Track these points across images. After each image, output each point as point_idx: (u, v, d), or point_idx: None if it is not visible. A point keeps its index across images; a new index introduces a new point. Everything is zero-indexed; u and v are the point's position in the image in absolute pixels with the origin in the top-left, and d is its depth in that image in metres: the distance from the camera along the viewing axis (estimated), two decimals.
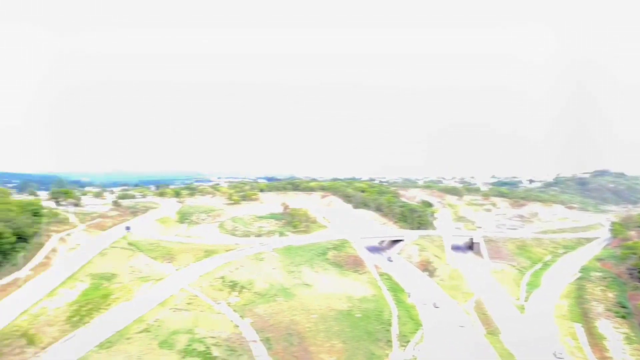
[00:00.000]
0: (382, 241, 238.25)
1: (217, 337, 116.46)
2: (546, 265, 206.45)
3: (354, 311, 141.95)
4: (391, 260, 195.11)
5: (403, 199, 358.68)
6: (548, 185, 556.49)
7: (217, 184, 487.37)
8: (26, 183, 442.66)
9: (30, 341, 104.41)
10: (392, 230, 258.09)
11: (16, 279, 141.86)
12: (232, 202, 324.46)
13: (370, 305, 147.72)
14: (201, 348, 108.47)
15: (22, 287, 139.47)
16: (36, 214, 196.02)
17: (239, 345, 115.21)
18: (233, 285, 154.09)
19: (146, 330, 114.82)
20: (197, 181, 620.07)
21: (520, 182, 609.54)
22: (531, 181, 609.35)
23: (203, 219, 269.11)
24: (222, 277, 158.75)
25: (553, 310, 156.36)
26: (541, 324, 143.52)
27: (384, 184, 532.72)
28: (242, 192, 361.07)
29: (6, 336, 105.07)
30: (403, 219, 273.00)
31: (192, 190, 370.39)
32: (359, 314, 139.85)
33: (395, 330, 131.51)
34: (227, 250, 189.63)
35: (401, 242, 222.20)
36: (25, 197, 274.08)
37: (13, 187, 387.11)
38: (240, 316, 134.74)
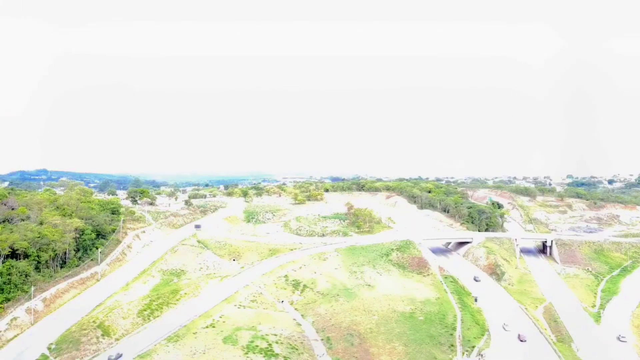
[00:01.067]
0: (448, 243, 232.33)
1: (279, 335, 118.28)
2: (626, 271, 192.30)
3: (417, 314, 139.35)
4: (478, 280, 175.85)
5: (471, 200, 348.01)
6: (630, 185, 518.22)
7: (283, 184, 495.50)
8: (106, 183, 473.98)
9: (105, 332, 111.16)
10: (459, 231, 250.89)
11: (94, 273, 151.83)
12: (298, 202, 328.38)
13: (433, 308, 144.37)
14: (263, 345, 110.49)
15: (100, 281, 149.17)
16: (114, 212, 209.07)
17: (300, 344, 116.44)
18: (296, 284, 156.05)
19: (211, 326, 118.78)
20: (264, 181, 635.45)
21: (600, 182, 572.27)
22: (611, 181, 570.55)
23: (269, 219, 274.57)
24: (286, 276, 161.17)
25: (630, 320, 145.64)
26: (617, 333, 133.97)
27: (451, 184, 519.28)
28: (307, 192, 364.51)
29: (84, 326, 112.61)
30: (470, 220, 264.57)
31: (259, 190, 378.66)
32: (422, 317, 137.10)
33: (459, 334, 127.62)
34: (291, 250, 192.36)
35: (468, 244, 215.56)
36: (105, 197, 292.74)
37: (94, 187, 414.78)
38: (302, 315, 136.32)
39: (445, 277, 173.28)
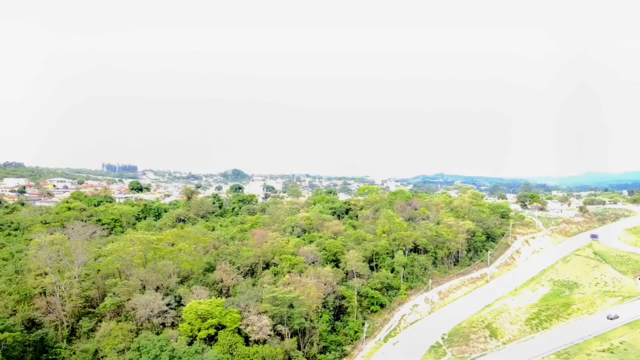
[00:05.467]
0: None
1: None
2: None
3: None
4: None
5: None
6: None
7: None
8: (496, 187, 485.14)
9: (493, 334, 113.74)
10: None
11: (484, 274, 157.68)
12: None
13: None
14: None
15: (488, 283, 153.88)
16: (504, 216, 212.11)
17: None
18: None
19: (609, 351, 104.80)
20: None
21: None
22: None
23: None
24: None
25: None
26: None
27: None
28: None
29: (473, 324, 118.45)
30: None
31: None
32: None
33: None
34: None
35: None
36: (495, 200, 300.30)
37: (485, 190, 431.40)
38: None
39: None
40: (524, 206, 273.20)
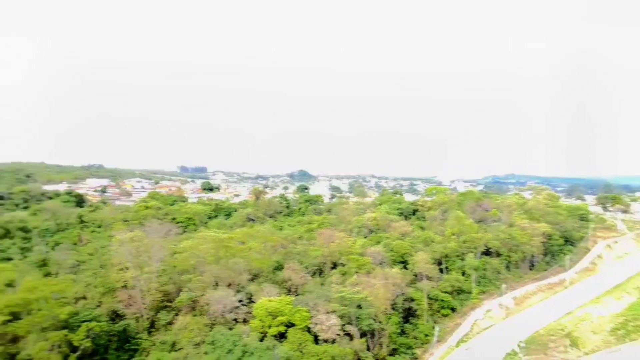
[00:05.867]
0: None
1: None
2: None
3: None
4: None
5: None
6: None
7: None
8: (574, 187, 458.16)
9: (574, 343, 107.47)
10: None
11: (562, 280, 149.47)
12: None
13: None
14: None
15: (567, 289, 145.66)
16: (583, 218, 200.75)
17: None
18: None
19: None
20: None
21: None
22: None
23: None
24: None
25: None
26: None
27: None
28: None
29: (552, 332, 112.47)
30: None
31: None
32: None
33: None
34: None
35: None
36: (572, 202, 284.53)
37: (561, 191, 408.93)
38: None
39: None
40: (604, 208, 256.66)
